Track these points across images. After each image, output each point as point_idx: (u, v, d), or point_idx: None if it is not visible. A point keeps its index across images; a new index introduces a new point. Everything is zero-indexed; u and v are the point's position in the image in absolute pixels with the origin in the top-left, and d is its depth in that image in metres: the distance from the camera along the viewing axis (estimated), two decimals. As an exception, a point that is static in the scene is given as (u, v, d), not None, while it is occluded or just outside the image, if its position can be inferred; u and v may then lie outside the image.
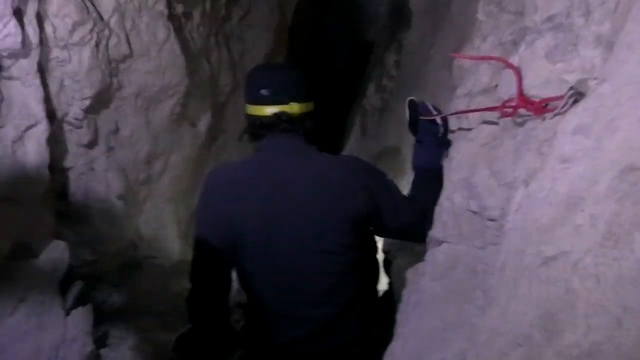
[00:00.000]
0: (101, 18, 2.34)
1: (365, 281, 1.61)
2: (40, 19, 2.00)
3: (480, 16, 2.28)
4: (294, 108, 1.53)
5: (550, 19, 1.64)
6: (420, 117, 1.63)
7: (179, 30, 3.14)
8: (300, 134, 1.56)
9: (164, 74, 2.92)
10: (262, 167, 1.53)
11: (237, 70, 4.83)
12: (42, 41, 2.05)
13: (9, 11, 1.70)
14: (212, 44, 4.04)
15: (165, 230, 3.89)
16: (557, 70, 1.48)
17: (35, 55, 1.98)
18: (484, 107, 1.77)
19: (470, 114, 2.03)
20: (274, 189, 1.49)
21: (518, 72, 1.62)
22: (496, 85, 1.87)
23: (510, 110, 1.58)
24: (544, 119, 1.50)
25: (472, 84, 2.12)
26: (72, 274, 2.29)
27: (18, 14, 1.81)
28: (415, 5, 4.35)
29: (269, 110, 1.51)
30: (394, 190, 1.60)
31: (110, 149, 2.78)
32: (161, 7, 2.74)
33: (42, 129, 2.08)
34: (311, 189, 1.50)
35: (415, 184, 1.62)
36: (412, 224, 1.53)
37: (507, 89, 1.78)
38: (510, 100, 1.61)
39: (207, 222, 1.52)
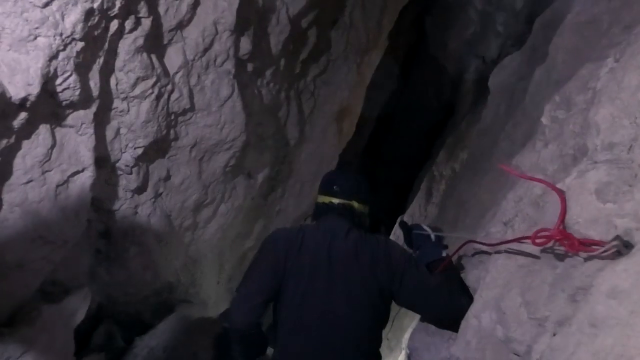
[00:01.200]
0: (166, 73, 2.43)
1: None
2: (104, 72, 2.10)
3: (544, 120, 2.13)
4: (354, 205, 1.98)
5: (610, 146, 1.47)
6: (414, 231, 2.07)
7: (245, 87, 3.21)
8: (353, 221, 1.96)
9: (222, 128, 2.97)
10: (316, 235, 1.90)
11: (305, 124, 4.89)
12: (104, 92, 2.15)
13: (71, 67, 1.79)
14: (282, 99, 4.12)
15: (205, 275, 3.91)
16: (607, 210, 1.30)
17: (93, 107, 2.07)
18: (528, 228, 1.62)
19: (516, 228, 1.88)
20: (319, 254, 1.83)
21: (563, 201, 1.46)
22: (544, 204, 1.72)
23: (543, 240, 1.42)
24: (584, 260, 1.33)
25: (523, 192, 1.96)
26: (94, 319, 2.32)
27: (81, 67, 1.90)
28: (494, 84, 4.20)
29: (336, 201, 1.97)
30: (420, 269, 1.89)
31: (157, 195, 2.84)
32: (229, 66, 2.81)
33: (87, 175, 2.15)
34: (349, 260, 1.83)
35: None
36: (436, 300, 1.83)
37: (552, 214, 1.62)
38: (545, 229, 1.44)
39: (263, 254, 1.87)
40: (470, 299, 1.82)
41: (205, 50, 2.60)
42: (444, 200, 5.29)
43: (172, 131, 2.68)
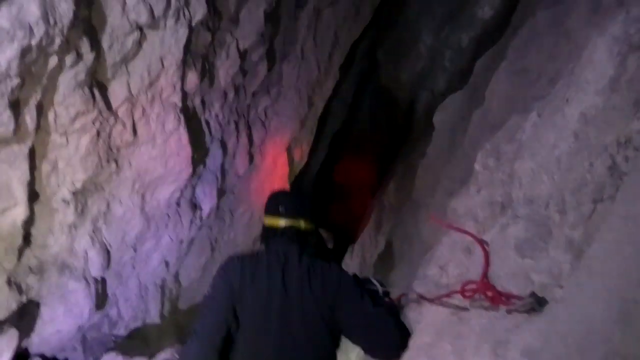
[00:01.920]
0: (108, 107, 2.40)
1: None
2: (42, 107, 2.05)
3: (477, 166, 2.24)
4: (302, 225, 1.92)
5: (529, 201, 1.56)
6: (366, 286, 1.96)
7: (192, 120, 3.20)
8: (301, 244, 1.91)
9: (167, 161, 2.95)
10: (269, 261, 1.85)
11: (255, 154, 4.91)
12: (41, 127, 2.10)
13: (4, 104, 1.74)
14: (231, 130, 4.12)
15: (148, 308, 3.81)
16: (525, 266, 1.38)
17: (29, 142, 2.02)
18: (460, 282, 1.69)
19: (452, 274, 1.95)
20: (272, 280, 1.80)
21: (487, 254, 1.54)
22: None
23: (470, 293, 1.49)
24: (506, 312, 1.39)
25: (457, 237, 2.04)
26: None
27: (16, 104, 1.86)
28: (438, 122, 4.37)
29: (283, 222, 1.90)
30: (364, 296, 1.87)
31: (96, 229, 2.77)
32: (175, 99, 2.80)
33: (20, 210, 2.08)
34: (303, 288, 1.81)
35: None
36: (373, 325, 1.84)
37: (481, 261, 1.70)
38: (472, 282, 1.51)
39: (217, 287, 1.80)
40: (403, 334, 1.86)
41: (151, 84, 2.59)
42: (392, 230, 5.39)
43: (113, 164, 2.63)
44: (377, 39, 7.67)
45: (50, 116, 2.13)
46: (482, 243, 1.55)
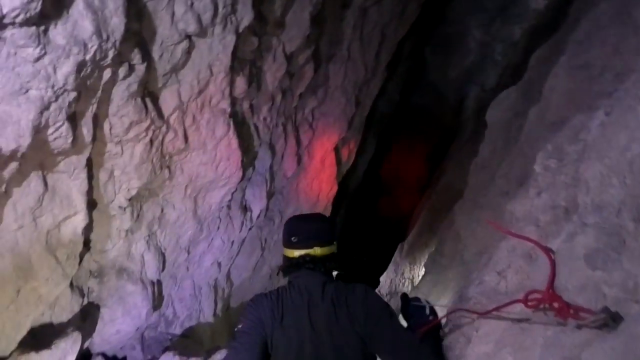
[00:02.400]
0: (160, 115, 2.44)
1: None
2: (97, 118, 2.11)
3: (537, 168, 2.13)
4: (317, 251, 1.89)
5: (599, 208, 1.46)
6: (412, 303, 1.96)
7: (241, 124, 3.23)
8: (320, 271, 1.90)
9: (218, 166, 2.98)
10: (293, 299, 1.83)
11: (303, 155, 4.90)
12: (97, 137, 2.16)
13: (62, 117, 1.80)
14: (279, 133, 4.13)
15: (201, 308, 3.88)
16: (595, 277, 1.29)
17: (86, 152, 2.07)
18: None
19: (510, 277, 1.87)
20: (299, 319, 1.78)
21: (553, 263, 1.45)
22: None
23: (534, 302, 1.41)
24: (575, 327, 1.31)
25: (516, 242, 1.95)
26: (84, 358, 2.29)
27: (73, 117, 1.91)
28: (491, 118, 4.22)
29: (297, 253, 1.90)
30: (394, 320, 1.80)
31: (152, 234, 2.83)
32: (224, 105, 2.83)
33: (80, 218, 2.14)
34: (327, 321, 1.77)
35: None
36: (404, 354, 1.73)
37: (544, 269, 1.60)
38: (536, 291, 1.43)
39: (249, 323, 1.78)
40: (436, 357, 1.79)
41: (200, 91, 2.62)
42: (443, 230, 5.27)
43: (166, 171, 2.68)
44: (424, 36, 7.52)
45: (106, 127, 2.18)
46: (547, 250, 1.46)
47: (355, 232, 9.73)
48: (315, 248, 1.88)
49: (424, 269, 5.23)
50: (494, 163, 3.81)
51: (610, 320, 1.12)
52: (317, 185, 5.50)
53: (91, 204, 2.32)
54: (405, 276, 6.49)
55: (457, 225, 4.22)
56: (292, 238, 1.92)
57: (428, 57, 7.95)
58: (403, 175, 9.52)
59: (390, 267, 7.24)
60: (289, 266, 1.91)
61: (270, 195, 4.40)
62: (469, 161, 5.19)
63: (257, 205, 4.08)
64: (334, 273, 2.06)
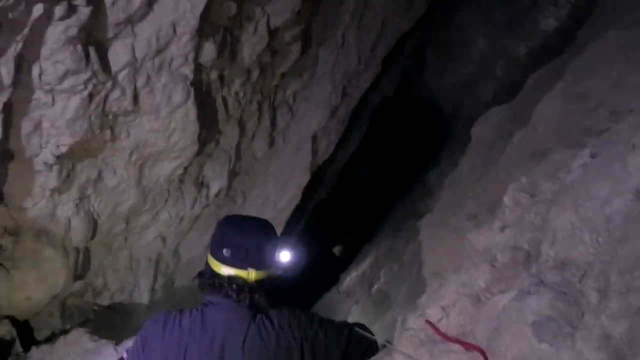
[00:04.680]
0: (106, 69, 2.17)
1: None
2: (23, 59, 1.83)
3: (507, 200, 1.91)
4: (250, 275, 1.48)
5: (562, 265, 1.24)
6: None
7: (206, 95, 2.96)
8: (245, 303, 1.46)
9: (171, 136, 2.71)
10: (201, 338, 1.44)
11: (277, 139, 4.65)
12: (21, 81, 1.89)
13: (-29, 50, 1.53)
14: (252, 110, 3.87)
15: (137, 282, 3.64)
16: (540, 353, 1.07)
17: (3, 96, 1.80)
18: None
19: None
20: (210, 350, 1.42)
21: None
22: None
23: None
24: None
25: (468, 278, 1.74)
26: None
27: (-10, 53, 1.64)
28: (476, 134, 4.00)
29: (225, 271, 1.48)
30: (329, 327, 1.60)
31: (84, 197, 2.57)
32: (186, 71, 2.56)
33: (-12, 169, 1.87)
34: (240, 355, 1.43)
35: None
36: None
37: (487, 322, 1.40)
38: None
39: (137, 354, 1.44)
40: None
41: (159, 51, 2.34)
42: (408, 240, 5.09)
43: (108, 131, 2.42)
44: (427, 37, 7.26)
45: (35, 71, 1.91)
46: (482, 353, 1.21)
47: (327, 224, 9.55)
48: (249, 271, 1.46)
49: (382, 276, 5.05)
50: (470, 182, 3.61)
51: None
52: (289, 172, 5.26)
53: (7, 155, 2.05)
54: (365, 278, 6.33)
55: (422, 237, 4.03)
56: (224, 251, 1.48)
57: (428, 59, 7.71)
58: (383, 175, 9.32)
59: (352, 266, 7.08)
60: (210, 284, 1.49)
61: (234, 174, 4.14)
62: (448, 174, 4.99)
63: (217, 183, 3.82)
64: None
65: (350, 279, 6.82)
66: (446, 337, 1.43)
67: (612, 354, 0.93)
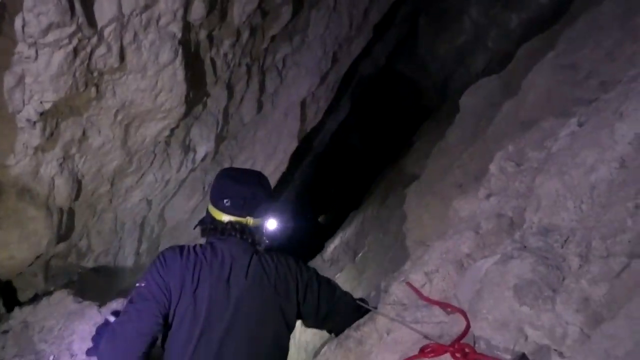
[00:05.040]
0: (92, 24, 2.10)
1: None
2: (5, 9, 1.76)
3: (493, 168, 1.92)
4: (249, 221, 1.69)
5: (545, 231, 1.26)
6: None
7: (194, 55, 2.89)
8: (247, 240, 1.69)
9: (158, 96, 2.66)
10: (212, 262, 1.62)
11: (265, 103, 4.60)
12: (3, 32, 1.82)
13: (-52, -3, 1.47)
14: (241, 73, 3.80)
15: (122, 245, 3.63)
16: (521, 315, 1.09)
17: (-18, 46, 1.74)
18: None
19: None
20: (219, 278, 1.59)
21: (468, 325, 1.21)
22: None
23: (431, 355, 1.19)
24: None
25: (452, 244, 1.76)
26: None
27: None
28: (465, 104, 3.99)
29: (226, 218, 1.68)
30: (323, 280, 1.82)
31: (68, 157, 2.53)
32: (175, 29, 2.49)
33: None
34: (249, 291, 1.62)
35: None
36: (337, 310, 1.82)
37: (470, 285, 1.42)
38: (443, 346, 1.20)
39: (153, 288, 1.55)
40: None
41: (147, 6, 2.27)
42: (393, 209, 5.12)
43: (93, 89, 2.36)
44: (421, 4, 7.15)
45: (17, 22, 1.84)
46: (464, 314, 1.23)
47: (315, 190, 9.57)
48: (248, 218, 1.68)
49: (366, 244, 5.10)
50: (457, 151, 3.62)
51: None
52: (276, 137, 5.22)
53: (-8, 110, 2.00)
54: (349, 246, 6.39)
55: (407, 206, 4.05)
56: (225, 201, 1.68)
57: (421, 27, 7.61)
58: (373, 142, 9.31)
59: (337, 233, 7.13)
60: (213, 229, 1.70)
61: (221, 138, 4.10)
62: (435, 143, 5.00)
63: (203, 147, 3.79)
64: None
65: (335, 246, 6.88)
66: (428, 300, 1.46)
67: (590, 316, 0.95)
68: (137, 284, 1.58)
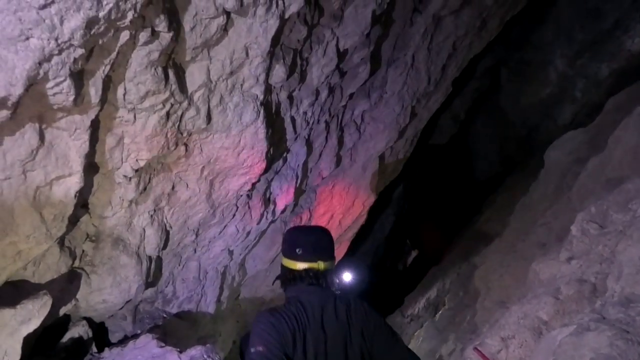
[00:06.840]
0: (183, 90, 2.31)
1: None
2: (110, 80, 2.00)
3: (574, 230, 1.84)
4: (320, 266, 1.84)
5: (626, 302, 1.17)
6: None
7: (275, 114, 3.07)
8: (321, 285, 1.84)
9: (240, 153, 2.83)
10: (307, 314, 1.75)
11: (344, 157, 4.71)
12: (108, 100, 2.06)
13: (65, 73, 1.70)
14: (320, 130, 3.95)
15: (204, 292, 3.79)
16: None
17: (91, 114, 1.97)
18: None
19: None
20: (317, 334, 1.72)
21: None
22: None
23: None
24: None
25: (529, 309, 1.68)
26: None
27: (80, 75, 1.81)
28: (549, 159, 3.85)
29: (300, 265, 1.84)
30: (391, 330, 1.83)
31: (158, 209, 2.73)
32: (257, 91, 2.67)
33: (74, 181, 2.06)
34: (341, 332, 1.74)
35: None
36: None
37: (546, 353, 1.34)
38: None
39: (270, 347, 1.63)
40: None
41: (232, 72, 2.47)
42: (475, 266, 4.93)
43: (182, 148, 2.56)
44: (502, 57, 7.08)
45: (120, 91, 2.08)
46: None
47: (393, 245, 9.43)
48: (319, 262, 1.83)
49: (447, 302, 4.92)
50: (541, 207, 3.47)
51: None
52: (355, 191, 5.28)
53: (93, 168, 2.23)
54: (429, 301, 6.19)
55: (488, 265, 3.90)
56: (297, 250, 1.85)
57: (503, 80, 7.51)
58: (451, 197, 9.09)
59: (418, 289, 6.94)
60: (292, 279, 1.85)
61: (300, 191, 4.23)
62: (519, 199, 4.81)
63: (283, 200, 3.92)
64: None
65: (417, 303, 6.69)
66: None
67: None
68: (253, 349, 1.64)
